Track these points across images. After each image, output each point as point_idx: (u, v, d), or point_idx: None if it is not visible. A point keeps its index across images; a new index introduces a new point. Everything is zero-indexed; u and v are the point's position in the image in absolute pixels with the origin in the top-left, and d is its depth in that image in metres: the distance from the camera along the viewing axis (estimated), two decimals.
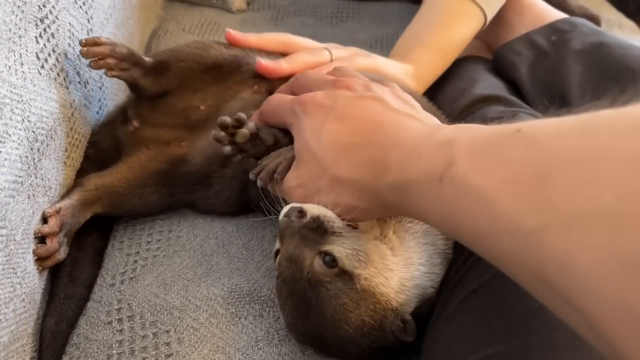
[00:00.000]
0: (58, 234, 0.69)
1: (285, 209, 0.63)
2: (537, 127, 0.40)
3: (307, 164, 0.61)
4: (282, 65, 0.85)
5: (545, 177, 0.36)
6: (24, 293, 0.64)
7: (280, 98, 0.69)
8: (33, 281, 0.67)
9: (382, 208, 0.56)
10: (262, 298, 0.71)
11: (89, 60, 0.77)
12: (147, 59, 0.84)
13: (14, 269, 0.62)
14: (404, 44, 1.01)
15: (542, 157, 0.37)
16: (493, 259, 0.43)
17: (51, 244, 0.69)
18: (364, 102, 0.60)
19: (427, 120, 0.59)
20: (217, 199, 0.82)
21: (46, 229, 0.68)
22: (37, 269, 0.68)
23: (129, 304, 0.70)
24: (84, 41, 0.76)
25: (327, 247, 0.59)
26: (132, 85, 0.84)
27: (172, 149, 0.82)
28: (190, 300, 0.70)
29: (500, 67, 1.04)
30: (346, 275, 0.59)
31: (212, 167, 0.80)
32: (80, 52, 0.76)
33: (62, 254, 0.71)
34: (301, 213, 0.60)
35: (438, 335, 0.58)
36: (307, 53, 0.88)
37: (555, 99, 0.92)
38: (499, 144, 0.42)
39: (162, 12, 1.36)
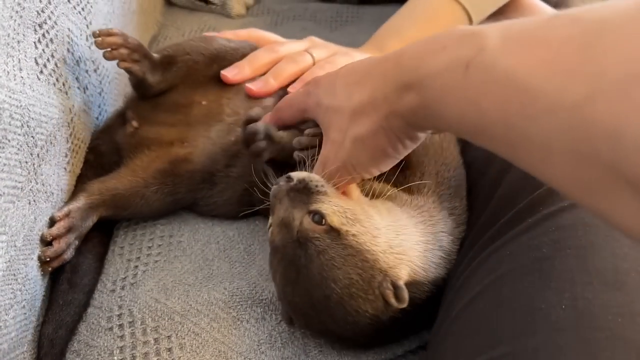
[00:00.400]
0: (66, 235, 0.70)
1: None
2: (578, 8, 0.38)
3: (332, 122, 0.61)
4: (270, 84, 0.86)
5: (592, 45, 0.35)
6: (25, 300, 0.64)
7: (295, 93, 0.71)
8: (34, 288, 0.66)
9: (399, 120, 0.54)
10: (264, 301, 0.71)
11: (104, 50, 0.79)
12: (154, 54, 0.85)
13: (14, 275, 0.61)
14: (383, 33, 1.01)
15: (588, 27, 0.36)
16: (521, 148, 0.41)
17: (58, 245, 0.69)
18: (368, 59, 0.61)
19: None
20: (220, 198, 0.82)
21: (54, 230, 0.69)
22: (42, 272, 0.68)
23: (129, 309, 0.70)
24: (97, 32, 0.79)
25: (315, 206, 0.61)
26: (139, 82, 0.85)
27: (175, 149, 0.82)
28: (191, 305, 0.70)
29: None
30: (334, 232, 0.60)
31: (216, 167, 0.81)
32: (95, 42, 0.78)
33: (68, 255, 0.71)
34: (289, 178, 0.63)
35: (443, 337, 0.58)
36: (289, 62, 0.88)
37: None
38: (535, 27, 0.40)
39: (161, 18, 1.36)
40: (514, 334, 0.50)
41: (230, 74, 0.87)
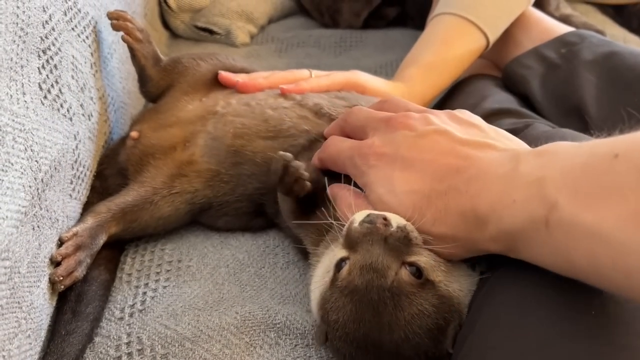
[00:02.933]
0: (75, 253, 0.69)
1: (361, 215, 0.59)
2: (635, 148, 0.39)
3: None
4: (258, 81, 0.88)
5: None
6: (30, 329, 0.61)
7: (337, 147, 0.67)
8: (40, 317, 0.64)
9: (481, 252, 0.55)
10: (278, 325, 0.68)
11: (112, 20, 0.88)
12: (163, 57, 0.94)
13: (19, 303, 0.59)
14: (404, 64, 1.02)
15: None
16: (615, 290, 0.42)
17: (68, 263, 0.68)
18: (428, 141, 0.57)
19: (500, 143, 0.56)
20: (231, 196, 0.81)
21: (63, 250, 0.68)
22: (53, 291, 0.67)
23: (138, 337, 0.67)
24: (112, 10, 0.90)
25: (414, 258, 0.57)
26: (141, 70, 0.92)
27: (178, 154, 0.82)
28: (202, 331, 0.67)
29: (510, 82, 1.03)
30: (430, 284, 0.57)
31: (223, 165, 0.81)
32: (107, 13, 0.88)
33: (79, 272, 0.69)
34: (386, 221, 0.58)
35: (467, 353, 0.54)
36: (284, 71, 0.91)
37: (569, 110, 0.90)
38: (600, 173, 0.41)
39: (166, 49, 1.37)
40: (543, 343, 0.47)
41: (225, 73, 0.90)
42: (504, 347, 0.50)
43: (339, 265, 0.60)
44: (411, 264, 0.57)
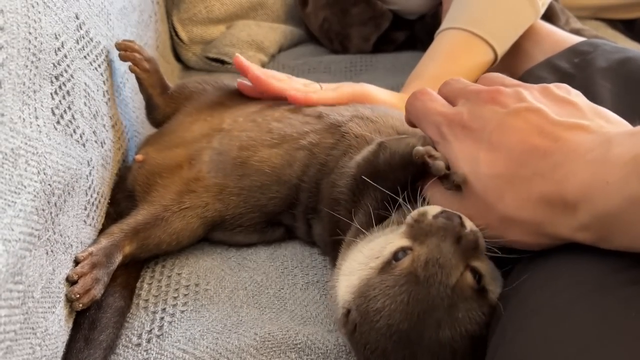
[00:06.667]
0: (91, 271, 0.68)
1: (434, 209, 0.59)
2: None
3: (468, 198, 0.58)
4: (270, 82, 0.89)
5: None
6: (44, 356, 0.60)
7: (426, 106, 0.63)
8: (55, 344, 0.62)
9: (561, 241, 0.53)
10: (299, 345, 0.66)
11: (120, 51, 0.90)
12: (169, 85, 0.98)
13: (33, 329, 0.58)
14: (409, 79, 1.02)
15: None
16: None
17: (84, 280, 0.67)
18: (518, 120, 0.54)
19: (594, 124, 0.53)
20: (243, 208, 0.81)
21: (78, 269, 0.67)
22: (72, 310, 0.67)
23: None
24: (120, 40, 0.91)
25: (477, 264, 0.57)
26: (148, 98, 0.96)
27: (185, 172, 0.83)
28: (220, 354, 0.65)
29: None
30: (484, 292, 0.57)
31: (230, 177, 0.81)
32: (115, 44, 0.90)
33: (97, 291, 0.68)
34: (462, 220, 0.57)
35: None
36: (297, 83, 0.92)
37: None
38: None
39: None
40: (582, 349, 0.44)
41: (239, 58, 0.90)
42: (540, 357, 0.47)
43: (396, 254, 0.58)
44: (474, 269, 0.57)
